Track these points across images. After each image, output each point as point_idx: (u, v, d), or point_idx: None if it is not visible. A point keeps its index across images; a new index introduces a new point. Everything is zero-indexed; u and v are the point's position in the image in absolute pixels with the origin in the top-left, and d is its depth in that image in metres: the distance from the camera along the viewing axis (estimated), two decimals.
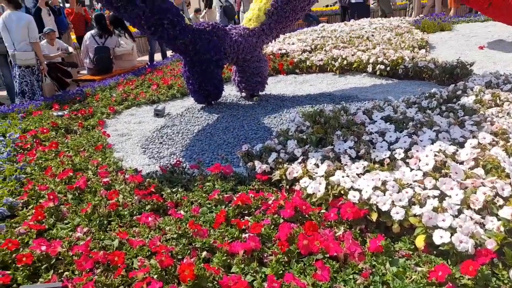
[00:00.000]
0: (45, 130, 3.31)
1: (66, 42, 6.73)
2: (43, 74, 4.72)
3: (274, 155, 2.11)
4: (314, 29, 7.81)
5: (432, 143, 1.91)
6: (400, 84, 4.20)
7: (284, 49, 5.78)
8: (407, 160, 1.80)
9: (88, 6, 16.33)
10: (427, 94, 2.98)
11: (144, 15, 3.07)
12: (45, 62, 4.77)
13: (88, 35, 5.71)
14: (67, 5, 11.46)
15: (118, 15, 3.69)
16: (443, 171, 1.66)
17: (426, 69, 4.20)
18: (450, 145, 1.86)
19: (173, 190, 2.06)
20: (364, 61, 4.67)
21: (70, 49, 6.10)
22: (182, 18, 3.32)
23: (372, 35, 6.40)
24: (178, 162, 2.34)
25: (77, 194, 2.11)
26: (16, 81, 4.57)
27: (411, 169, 1.71)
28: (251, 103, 3.99)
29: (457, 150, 1.78)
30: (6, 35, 4.31)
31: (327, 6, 13.98)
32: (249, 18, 3.86)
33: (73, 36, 7.94)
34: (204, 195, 1.95)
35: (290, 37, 6.89)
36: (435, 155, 1.74)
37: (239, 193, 1.88)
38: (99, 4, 3.91)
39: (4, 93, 5.80)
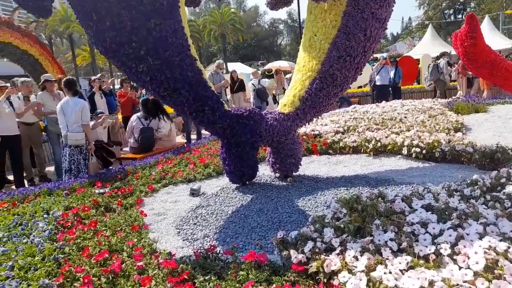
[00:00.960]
0: (86, 208, 3.44)
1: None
2: (90, 153, 5.05)
3: (310, 244, 2.05)
4: (346, 110, 8.02)
5: (480, 238, 1.80)
6: (438, 168, 4.11)
7: (317, 130, 5.92)
8: (455, 257, 1.69)
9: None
10: (468, 181, 2.88)
11: (187, 102, 3.31)
12: (93, 142, 5.15)
13: (134, 117, 6.19)
14: (117, 86, 12.65)
15: (162, 101, 4.00)
16: (495, 271, 1.54)
17: (464, 152, 4.12)
18: (500, 240, 1.74)
19: (206, 278, 2.01)
20: (398, 144, 4.66)
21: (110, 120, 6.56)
22: (222, 104, 3.54)
23: (405, 117, 6.47)
24: (212, 247, 2.32)
25: (111, 278, 2.10)
26: (65, 160, 4.91)
27: (460, 267, 1.60)
28: (285, 183, 4.01)
29: (509, 247, 1.66)
30: (62, 118, 4.76)
31: (359, 87, 14.50)
32: (284, 104, 4.05)
33: (119, 116, 8.60)
34: (237, 285, 1.88)
35: (323, 118, 7.09)
36: (485, 252, 1.63)
37: (274, 285, 1.80)
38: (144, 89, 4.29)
39: (52, 168, 6.19)
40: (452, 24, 43.06)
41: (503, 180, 2.80)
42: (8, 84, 6.24)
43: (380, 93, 10.72)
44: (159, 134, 6.30)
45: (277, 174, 4.21)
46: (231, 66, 27.52)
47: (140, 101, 6.80)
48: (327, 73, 3.89)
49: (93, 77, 8.41)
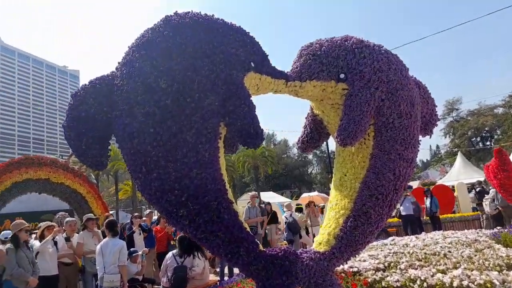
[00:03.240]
0: None
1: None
2: None
3: None
4: (384, 243, 7.68)
5: None
6: None
7: (355, 266, 5.62)
8: None
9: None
10: None
11: (223, 244, 3.37)
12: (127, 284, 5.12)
13: (170, 255, 6.22)
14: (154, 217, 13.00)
15: (199, 243, 4.07)
16: None
17: None
18: None
19: None
20: (447, 284, 4.31)
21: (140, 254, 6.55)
22: (257, 245, 3.56)
23: (449, 251, 6.10)
24: None
25: None
26: None
27: None
28: None
29: None
30: (100, 259, 4.89)
31: (394, 216, 14.11)
32: (319, 242, 4.01)
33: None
34: None
35: (361, 252, 6.79)
36: None
37: None
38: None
39: None
40: (482, 151, 43.36)
41: None
42: (55, 224, 6.63)
43: (407, 222, 11.51)
44: (192, 273, 6.19)
45: None
46: (263, 195, 28.02)
47: (177, 238, 6.91)
48: (361, 211, 3.92)
49: (135, 214, 8.79)
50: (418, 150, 4.29)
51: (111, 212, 15.63)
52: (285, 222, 9.63)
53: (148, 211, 10.63)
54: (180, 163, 3.15)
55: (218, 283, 6.51)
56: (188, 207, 3.21)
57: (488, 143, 48.08)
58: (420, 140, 4.28)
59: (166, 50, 3.26)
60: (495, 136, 49.41)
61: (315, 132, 4.70)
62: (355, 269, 5.52)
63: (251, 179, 52.19)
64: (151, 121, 3.17)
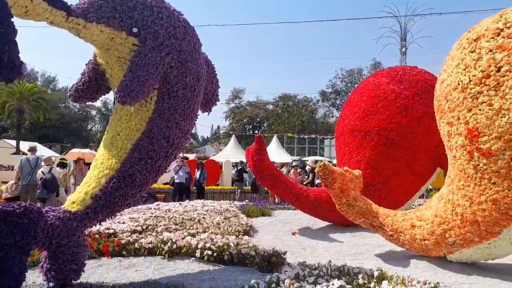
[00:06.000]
0: None
1: None
2: None
3: None
4: (148, 207, 7.89)
5: None
6: (225, 271, 4.34)
7: (112, 228, 5.51)
8: None
9: None
10: (246, 287, 3.13)
11: None
12: None
13: None
14: None
15: None
16: None
17: (248, 255, 4.54)
18: None
19: None
20: (193, 246, 4.78)
21: None
22: None
23: (204, 218, 6.82)
24: None
25: None
26: None
27: None
28: None
29: None
30: None
31: (166, 184, 14.73)
32: (72, 201, 3.66)
33: None
34: None
35: (122, 214, 6.72)
36: None
37: None
38: None
39: None
40: (251, 137, 50.87)
41: (273, 285, 3.17)
42: None
43: (177, 190, 12.39)
44: None
45: (51, 284, 3.54)
46: (23, 144, 23.94)
47: None
48: (127, 173, 3.82)
49: None
50: (195, 124, 4.52)
51: None
52: (41, 178, 8.41)
53: None
54: None
55: None
56: None
57: (256, 131, 57.03)
58: (198, 115, 4.52)
59: None
60: (263, 127, 59.22)
61: (94, 82, 4.25)
62: (111, 231, 5.40)
63: (11, 124, 43.37)
64: None
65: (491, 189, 3.68)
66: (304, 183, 12.64)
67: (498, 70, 3.52)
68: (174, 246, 4.82)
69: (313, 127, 52.95)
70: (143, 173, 3.90)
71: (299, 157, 33.30)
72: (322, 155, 38.58)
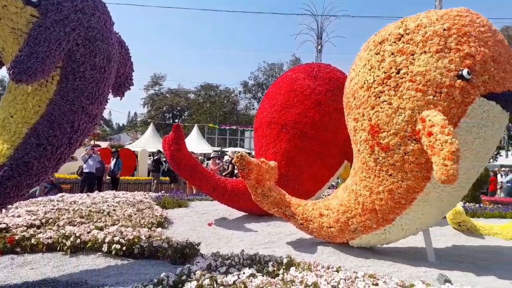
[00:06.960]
0: None
1: None
2: None
3: None
4: (50, 199, 7.19)
5: None
6: (135, 265, 4.14)
7: (4, 223, 4.89)
8: None
9: None
10: (155, 281, 3.01)
11: None
12: None
13: None
14: None
15: None
16: None
17: (160, 248, 4.39)
18: None
19: None
20: (99, 240, 4.46)
21: None
22: None
23: (114, 210, 6.42)
24: None
25: None
26: None
27: None
28: None
29: None
30: None
31: (73, 173, 13.57)
32: None
33: None
34: None
35: (18, 207, 6.02)
36: None
37: None
38: None
39: None
40: (170, 126, 49.50)
41: (184, 277, 3.10)
42: None
43: (85, 180, 11.32)
44: None
45: None
46: None
47: None
48: (21, 161, 3.40)
49: None
50: (104, 108, 4.19)
51: None
52: None
53: None
54: None
55: None
56: None
57: (177, 120, 55.58)
58: (109, 99, 4.20)
59: None
60: (183, 116, 57.89)
61: None
62: (3, 226, 4.79)
63: None
64: None
65: (387, 180, 4.08)
66: (224, 174, 12.68)
67: (398, 72, 3.88)
68: (78, 240, 4.45)
69: (235, 119, 53.39)
70: (41, 161, 3.51)
71: (220, 148, 33.38)
72: (243, 147, 39.20)
